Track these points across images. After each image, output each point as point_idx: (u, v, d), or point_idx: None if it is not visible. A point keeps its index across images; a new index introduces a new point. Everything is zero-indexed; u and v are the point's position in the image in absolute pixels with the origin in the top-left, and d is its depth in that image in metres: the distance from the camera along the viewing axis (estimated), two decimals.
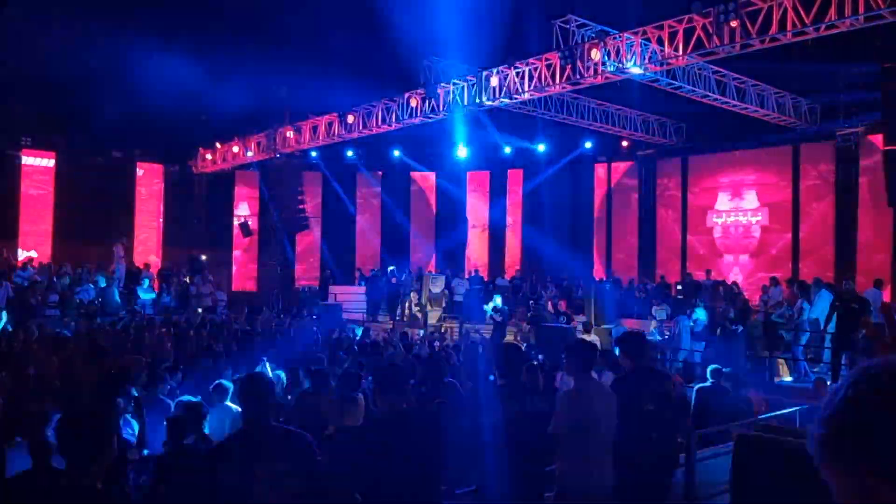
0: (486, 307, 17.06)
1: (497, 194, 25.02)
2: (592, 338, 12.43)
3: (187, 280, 20.70)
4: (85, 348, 10.12)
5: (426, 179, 26.14)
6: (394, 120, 17.98)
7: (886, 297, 14.05)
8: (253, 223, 24.70)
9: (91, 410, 2.90)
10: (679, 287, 17.83)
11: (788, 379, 12.60)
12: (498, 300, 16.90)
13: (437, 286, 20.27)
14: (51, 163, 22.39)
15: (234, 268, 25.51)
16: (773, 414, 7.01)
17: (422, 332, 16.52)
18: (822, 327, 12.29)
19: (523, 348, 12.89)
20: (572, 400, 4.56)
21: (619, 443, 4.76)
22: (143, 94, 18.05)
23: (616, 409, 4.69)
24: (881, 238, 16.59)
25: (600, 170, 22.95)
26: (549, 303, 18.02)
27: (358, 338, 13.73)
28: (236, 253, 25.58)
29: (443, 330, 17.15)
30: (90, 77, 18.57)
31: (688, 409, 7.10)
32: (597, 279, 17.42)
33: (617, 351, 6.77)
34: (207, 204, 25.03)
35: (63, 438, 2.67)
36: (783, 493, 4.56)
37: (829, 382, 9.91)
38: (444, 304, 19.93)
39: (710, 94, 15.44)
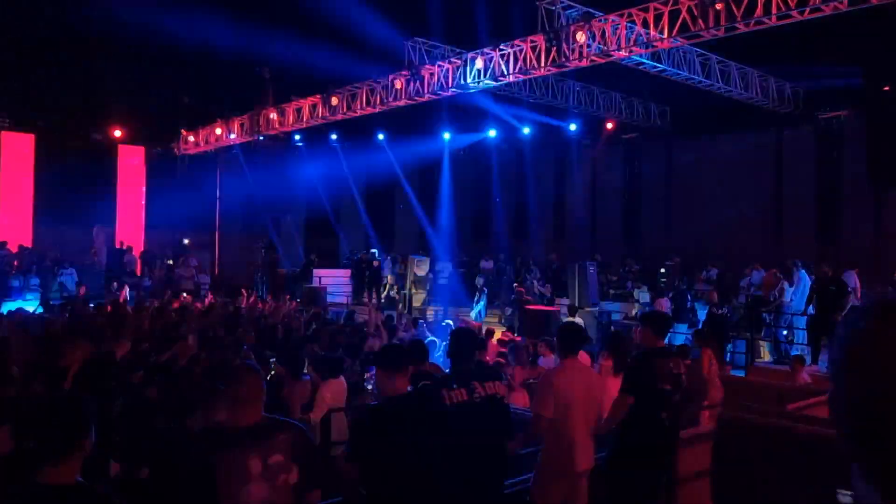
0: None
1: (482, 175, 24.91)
2: (577, 320, 12.49)
3: (170, 263, 20.54)
4: (67, 332, 9.99)
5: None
6: (378, 102, 17.83)
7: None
8: (236, 205, 24.42)
9: (67, 395, 2.73)
10: (663, 270, 17.93)
11: (768, 360, 12.76)
12: None
13: (422, 269, 20.21)
14: (30, 144, 22.00)
15: (217, 251, 25.27)
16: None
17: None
18: (801, 309, 12.43)
19: (504, 330, 12.94)
20: (557, 380, 4.55)
21: (629, 423, 4.77)
22: (125, 74, 17.76)
23: (599, 391, 4.70)
24: (863, 220, 16.75)
25: (585, 152, 22.96)
26: (535, 284, 18.04)
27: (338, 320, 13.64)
28: (219, 236, 25.32)
29: (426, 312, 17.12)
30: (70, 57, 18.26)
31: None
32: (581, 262, 17.46)
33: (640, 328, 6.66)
34: (190, 186, 24.73)
35: (33, 425, 2.45)
36: (764, 473, 4.62)
37: (808, 362, 10.07)
38: (428, 287, 19.87)
39: (695, 77, 15.43)
